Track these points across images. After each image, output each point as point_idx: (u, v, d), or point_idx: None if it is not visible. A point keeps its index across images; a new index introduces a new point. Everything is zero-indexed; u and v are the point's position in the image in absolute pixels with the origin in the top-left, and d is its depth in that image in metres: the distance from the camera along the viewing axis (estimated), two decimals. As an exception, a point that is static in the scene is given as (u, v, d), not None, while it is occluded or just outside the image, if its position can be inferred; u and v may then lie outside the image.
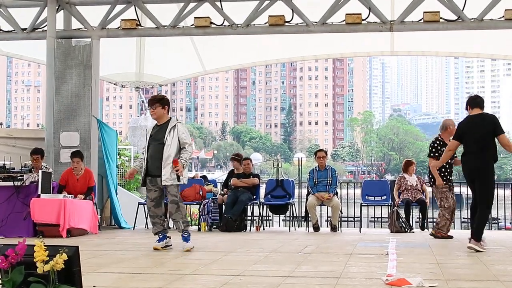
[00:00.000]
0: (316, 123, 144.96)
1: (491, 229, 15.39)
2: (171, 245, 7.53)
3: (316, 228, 10.78)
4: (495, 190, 17.07)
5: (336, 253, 7.15)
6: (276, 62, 15.39)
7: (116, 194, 11.49)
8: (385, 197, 11.44)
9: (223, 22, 11.07)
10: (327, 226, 11.79)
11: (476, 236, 7.15)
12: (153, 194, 7.54)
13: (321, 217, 12.83)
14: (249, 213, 11.33)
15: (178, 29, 11.26)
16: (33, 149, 10.08)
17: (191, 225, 12.47)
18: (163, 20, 11.15)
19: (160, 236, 7.51)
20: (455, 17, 10.33)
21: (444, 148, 8.97)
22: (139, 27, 11.34)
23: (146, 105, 16.62)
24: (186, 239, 7.40)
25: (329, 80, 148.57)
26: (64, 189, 10.01)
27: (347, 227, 14.43)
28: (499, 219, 18.38)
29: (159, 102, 7.47)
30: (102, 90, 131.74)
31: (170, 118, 7.61)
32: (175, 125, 7.47)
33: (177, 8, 11.25)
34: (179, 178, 7.33)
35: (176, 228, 7.59)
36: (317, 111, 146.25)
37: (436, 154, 9.00)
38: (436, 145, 9.14)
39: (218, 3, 10.96)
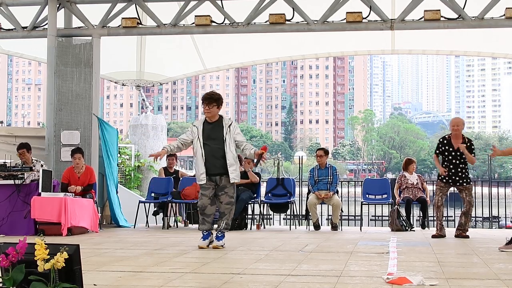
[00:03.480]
0: (317, 121, 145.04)
1: (491, 228, 15.41)
2: (213, 241, 7.48)
3: (317, 227, 10.79)
4: (496, 189, 17.13)
5: (336, 252, 7.15)
6: (277, 60, 15.36)
7: (117, 192, 11.50)
8: (385, 195, 11.45)
9: (224, 21, 11.07)
10: (328, 225, 11.80)
11: None
12: (210, 192, 7.43)
13: (321, 215, 12.84)
14: (249, 212, 11.33)
15: (178, 27, 11.26)
16: (18, 144, 10.03)
17: (192, 224, 12.48)
18: (163, 18, 11.15)
19: (205, 234, 7.48)
20: (456, 16, 10.33)
21: (447, 147, 9.07)
22: (140, 26, 11.34)
23: (147, 103, 16.65)
24: (219, 238, 7.43)
25: (330, 79, 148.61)
26: (67, 187, 10.03)
27: (348, 225, 14.41)
28: (500, 218, 18.40)
29: (216, 102, 7.38)
30: (103, 89, 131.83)
31: (221, 116, 7.55)
32: (230, 125, 7.43)
33: (178, 6, 11.25)
34: (258, 163, 7.53)
35: (216, 225, 7.53)
36: (317, 109, 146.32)
37: (437, 151, 9.27)
38: (439, 141, 9.30)
39: (218, 2, 10.95)
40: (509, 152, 8.39)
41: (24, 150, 9.86)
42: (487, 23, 10.35)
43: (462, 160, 9.04)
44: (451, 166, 9.06)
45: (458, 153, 9.02)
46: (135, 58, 13.89)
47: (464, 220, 9.19)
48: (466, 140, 9.14)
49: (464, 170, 9.08)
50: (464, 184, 9.08)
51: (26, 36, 11.67)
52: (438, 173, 9.33)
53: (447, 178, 9.08)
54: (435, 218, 9.46)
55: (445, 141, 9.17)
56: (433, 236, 9.07)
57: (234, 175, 7.35)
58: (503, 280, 4.89)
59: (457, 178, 9.05)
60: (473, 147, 9.14)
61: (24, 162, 9.72)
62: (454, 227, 15.78)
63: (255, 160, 7.67)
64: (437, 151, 9.24)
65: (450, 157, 9.08)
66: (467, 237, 8.99)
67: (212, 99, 7.38)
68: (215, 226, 7.59)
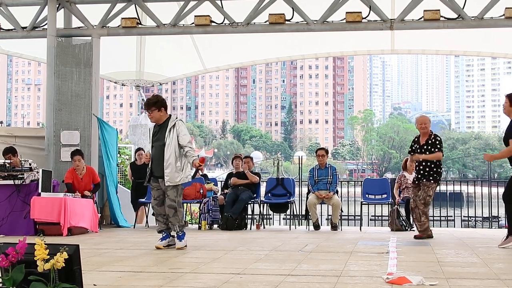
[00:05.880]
0: (317, 121, 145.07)
1: (491, 228, 15.41)
2: (174, 244, 7.52)
3: (317, 227, 10.79)
4: (496, 189, 17.14)
5: (336, 252, 7.15)
6: (277, 60, 15.37)
7: (117, 192, 11.50)
8: (385, 195, 11.44)
9: (224, 21, 11.06)
10: (328, 225, 11.79)
11: None
12: (156, 193, 7.53)
13: (321, 215, 12.83)
14: (249, 212, 11.32)
15: (178, 27, 11.26)
16: (3, 150, 9.99)
17: (192, 224, 12.50)
18: (163, 18, 11.15)
19: (163, 235, 7.50)
20: (455, 16, 10.33)
21: (416, 145, 9.06)
22: (140, 26, 11.33)
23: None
24: (180, 237, 7.42)
25: (330, 79, 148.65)
26: (71, 187, 10.04)
27: (348, 225, 14.42)
28: (500, 218, 18.39)
29: (154, 105, 7.41)
30: (102, 89, 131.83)
31: (169, 116, 7.58)
32: (174, 124, 7.45)
33: (178, 6, 11.25)
34: (195, 175, 7.47)
35: (174, 230, 7.55)
36: (317, 109, 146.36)
37: (409, 150, 9.25)
38: (412, 140, 9.28)
39: (218, 2, 10.95)
40: (502, 156, 8.19)
41: (10, 155, 9.79)
42: (486, 23, 10.35)
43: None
44: (417, 164, 9.03)
45: (423, 150, 8.90)
46: (134, 58, 13.88)
47: (418, 219, 8.89)
48: (432, 137, 8.97)
49: (428, 168, 8.85)
50: (424, 180, 8.86)
51: (25, 36, 11.66)
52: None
53: (415, 178, 9.06)
54: (414, 218, 9.31)
55: (416, 139, 9.15)
56: (415, 237, 8.86)
57: (169, 177, 7.31)
58: (503, 280, 4.89)
59: (419, 176, 8.92)
60: (437, 142, 8.89)
61: (14, 166, 9.68)
62: (454, 226, 15.85)
63: (193, 170, 7.64)
64: (410, 150, 9.21)
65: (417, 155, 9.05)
66: (424, 238, 8.77)
67: (150, 104, 7.41)
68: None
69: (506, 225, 7.98)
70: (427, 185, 8.86)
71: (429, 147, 8.89)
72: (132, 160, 12.61)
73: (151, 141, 7.56)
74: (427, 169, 8.87)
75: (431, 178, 8.86)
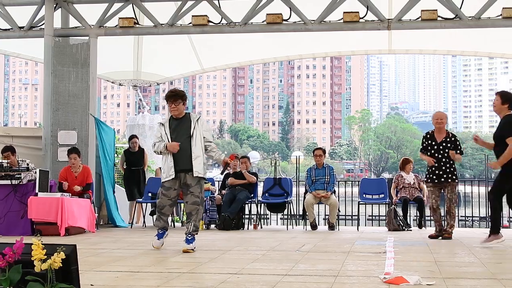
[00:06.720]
0: (314, 121, 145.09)
1: (488, 227, 15.42)
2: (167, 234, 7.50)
3: (314, 227, 10.79)
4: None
5: (333, 251, 7.15)
6: (274, 60, 15.37)
7: (114, 192, 11.49)
8: (382, 195, 11.45)
9: (221, 21, 11.06)
10: (325, 225, 11.81)
11: None
12: (172, 193, 7.30)
13: (318, 215, 12.83)
14: (246, 212, 11.33)
15: (175, 27, 11.25)
16: (3, 147, 10.01)
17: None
18: (160, 18, 11.15)
19: (159, 232, 7.44)
20: (452, 16, 10.34)
21: (430, 141, 8.87)
22: (137, 26, 11.33)
23: (144, 103, 16.66)
24: (189, 241, 7.14)
25: (327, 79, 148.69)
26: (64, 187, 10.02)
27: (345, 225, 14.43)
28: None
29: (181, 98, 7.30)
30: (100, 89, 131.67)
31: (188, 112, 7.48)
32: (198, 119, 7.36)
33: (175, 6, 11.25)
34: (224, 170, 7.45)
35: (186, 228, 7.29)
36: (314, 109, 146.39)
37: (422, 148, 9.06)
38: (423, 137, 9.12)
39: (216, 1, 10.95)
40: (506, 159, 8.16)
41: (9, 153, 9.82)
42: (484, 23, 10.36)
43: (446, 155, 8.70)
44: (435, 161, 8.76)
45: (441, 147, 8.74)
46: (132, 58, 13.88)
47: (447, 220, 8.87)
48: (450, 135, 8.84)
49: (448, 165, 8.71)
50: (449, 180, 8.73)
51: (23, 36, 11.65)
52: (426, 175, 9.10)
53: (432, 176, 8.78)
54: (432, 218, 9.28)
55: (428, 136, 8.93)
56: (430, 236, 8.92)
57: (198, 168, 7.16)
58: (499, 280, 4.90)
59: (441, 173, 8.73)
60: (458, 142, 8.82)
61: (11, 165, 9.67)
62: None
63: (222, 167, 7.58)
64: (422, 147, 9.01)
65: (433, 151, 8.78)
66: (450, 238, 8.70)
67: (178, 96, 7.29)
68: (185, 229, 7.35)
69: (503, 225, 8.00)
70: (454, 186, 8.83)
71: (449, 145, 8.73)
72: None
73: (169, 134, 7.30)
74: (451, 169, 8.74)
75: (454, 177, 8.80)
